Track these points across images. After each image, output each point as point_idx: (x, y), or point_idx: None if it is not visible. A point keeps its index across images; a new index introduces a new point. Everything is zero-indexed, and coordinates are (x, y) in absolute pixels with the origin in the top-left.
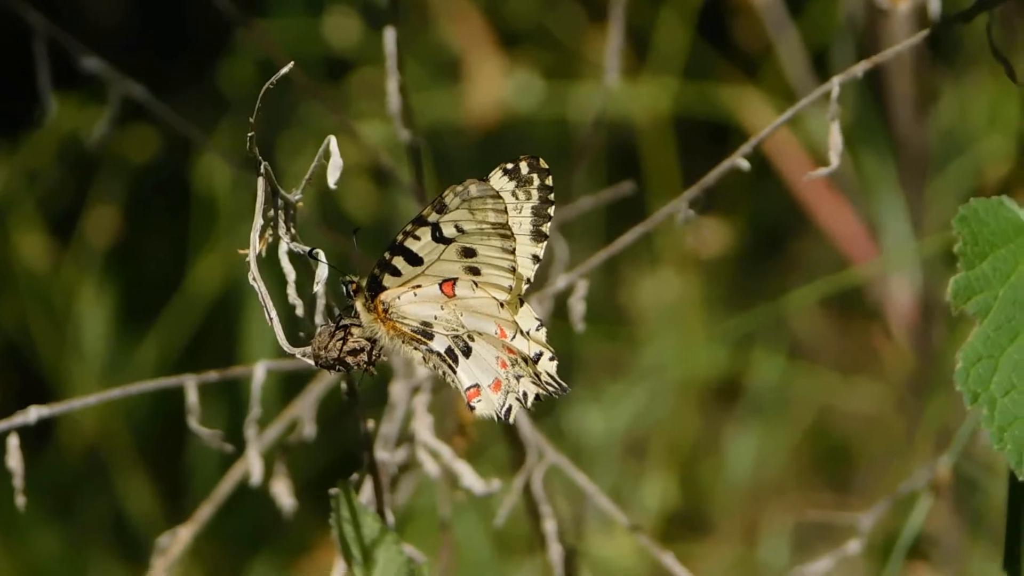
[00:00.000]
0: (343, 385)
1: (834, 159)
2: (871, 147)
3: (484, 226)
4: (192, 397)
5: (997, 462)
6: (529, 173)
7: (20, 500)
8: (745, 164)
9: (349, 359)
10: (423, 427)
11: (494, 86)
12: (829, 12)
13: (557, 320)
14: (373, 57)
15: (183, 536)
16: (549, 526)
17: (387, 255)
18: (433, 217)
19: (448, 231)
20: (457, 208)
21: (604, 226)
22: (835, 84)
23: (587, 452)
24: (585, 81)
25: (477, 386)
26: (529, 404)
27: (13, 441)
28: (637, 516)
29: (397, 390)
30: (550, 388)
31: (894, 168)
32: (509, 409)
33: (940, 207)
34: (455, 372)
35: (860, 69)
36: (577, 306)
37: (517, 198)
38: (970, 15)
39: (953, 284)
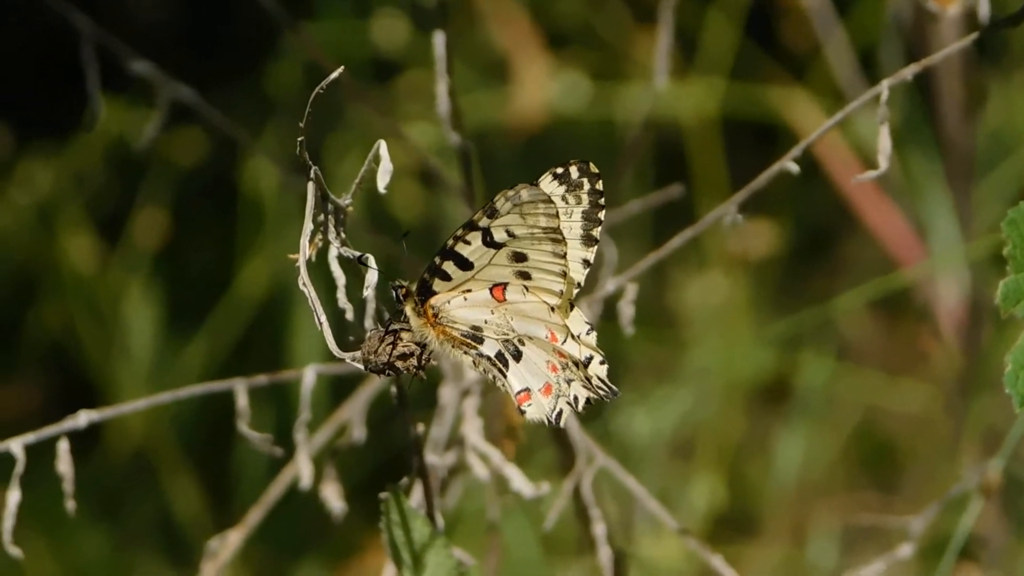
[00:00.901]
0: (393, 389)
1: (883, 162)
2: (919, 148)
3: (535, 231)
4: (242, 401)
5: None
6: (579, 177)
7: (70, 505)
8: (794, 167)
9: (399, 363)
10: (473, 431)
11: (541, 87)
12: (876, 12)
13: (605, 322)
14: (420, 59)
15: (233, 540)
16: (598, 529)
17: (437, 259)
18: (484, 222)
19: (499, 236)
20: (508, 213)
21: (652, 227)
22: (884, 87)
23: (634, 454)
24: (632, 82)
25: (528, 390)
26: (580, 408)
27: (63, 446)
28: (685, 518)
29: (447, 393)
30: (600, 392)
31: (942, 169)
32: (560, 413)
33: (988, 209)
34: (505, 376)
35: (909, 72)
36: (626, 309)
37: (567, 202)
38: (1019, 19)
39: (1002, 288)
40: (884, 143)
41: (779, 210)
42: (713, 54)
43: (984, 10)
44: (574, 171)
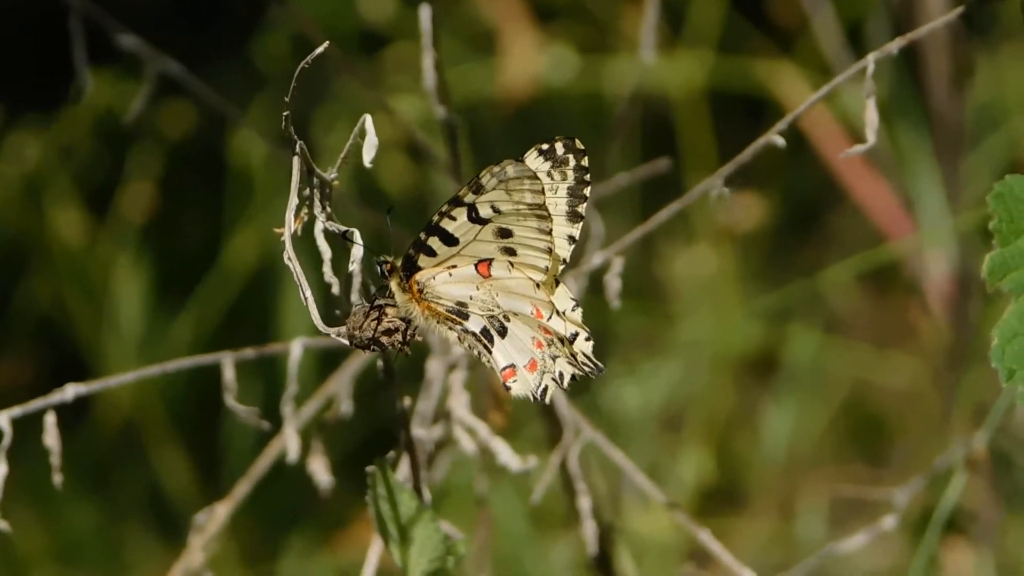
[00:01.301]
0: (379, 363)
1: (870, 136)
2: (907, 122)
3: (520, 207)
4: (229, 374)
5: None
6: (565, 154)
7: (57, 478)
8: (781, 141)
9: (384, 339)
10: (459, 404)
11: (528, 60)
12: None
13: (592, 296)
14: (408, 32)
15: (220, 513)
16: (585, 502)
17: (423, 235)
18: (469, 198)
19: (484, 212)
20: (494, 189)
21: (639, 200)
22: (870, 61)
23: (623, 428)
24: (620, 55)
25: (513, 366)
26: (565, 384)
27: (50, 419)
28: (673, 491)
29: (433, 367)
30: (586, 368)
31: (930, 143)
32: (545, 389)
33: (976, 182)
34: (491, 352)
35: (895, 46)
36: (613, 283)
37: (553, 179)
38: None
39: (988, 261)
40: (871, 117)
41: (767, 183)
42: (701, 27)
43: None
44: (559, 147)
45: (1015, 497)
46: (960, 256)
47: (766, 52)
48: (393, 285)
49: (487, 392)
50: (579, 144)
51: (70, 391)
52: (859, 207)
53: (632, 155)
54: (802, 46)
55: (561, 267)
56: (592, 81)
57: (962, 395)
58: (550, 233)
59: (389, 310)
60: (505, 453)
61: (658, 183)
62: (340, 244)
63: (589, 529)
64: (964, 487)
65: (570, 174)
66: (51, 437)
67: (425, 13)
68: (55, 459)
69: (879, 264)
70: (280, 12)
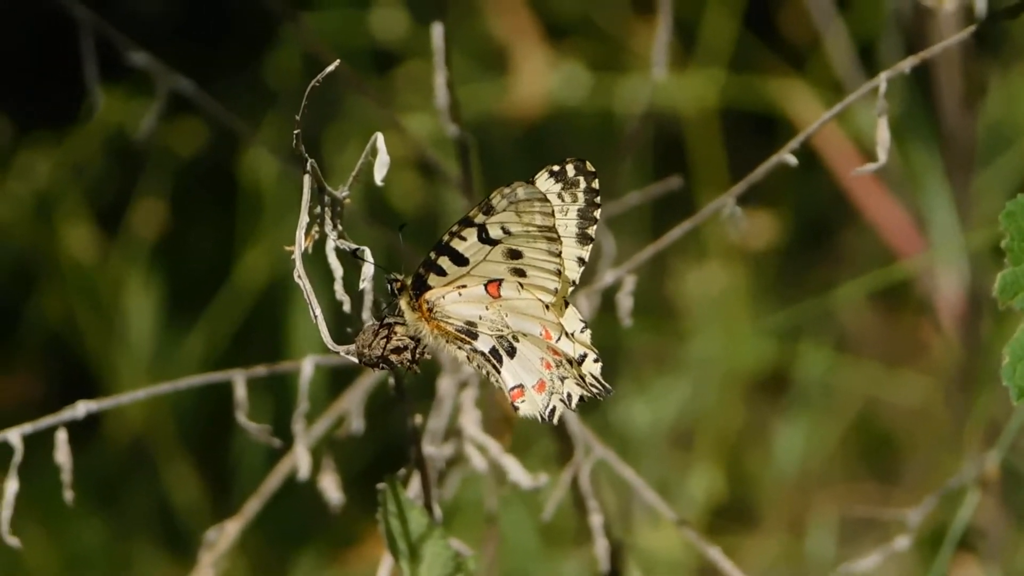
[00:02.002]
0: (391, 381)
1: (882, 155)
2: (918, 140)
3: (531, 229)
4: (240, 392)
5: None
6: (576, 176)
7: (68, 495)
8: (793, 160)
9: (393, 357)
10: (470, 422)
11: (540, 78)
12: (876, 4)
13: (603, 313)
14: (419, 50)
15: (230, 531)
16: (596, 520)
17: (432, 255)
18: (480, 218)
19: (494, 233)
20: (504, 210)
21: (651, 217)
22: (883, 80)
23: (633, 445)
24: (631, 73)
25: (521, 386)
26: (573, 405)
27: (61, 436)
28: (683, 509)
29: (444, 385)
30: (594, 390)
31: (941, 161)
32: (553, 410)
33: (987, 200)
34: (499, 372)
35: (907, 65)
36: (625, 301)
37: (563, 200)
38: (1017, 11)
39: (1000, 280)
40: (883, 135)
41: (778, 201)
42: (712, 45)
43: (981, 3)
44: (571, 169)
45: None
46: (971, 274)
47: (778, 70)
48: (403, 303)
49: (497, 409)
50: (590, 166)
51: (81, 408)
52: (871, 225)
53: (643, 173)
54: (814, 64)
55: (571, 288)
56: (603, 99)
57: (973, 413)
58: (560, 255)
59: (398, 328)
60: (516, 470)
61: (669, 201)
62: (351, 261)
63: (601, 547)
64: (975, 505)
65: (581, 196)
66: (62, 454)
67: (437, 31)
68: (66, 476)
69: (890, 282)
70: (291, 30)
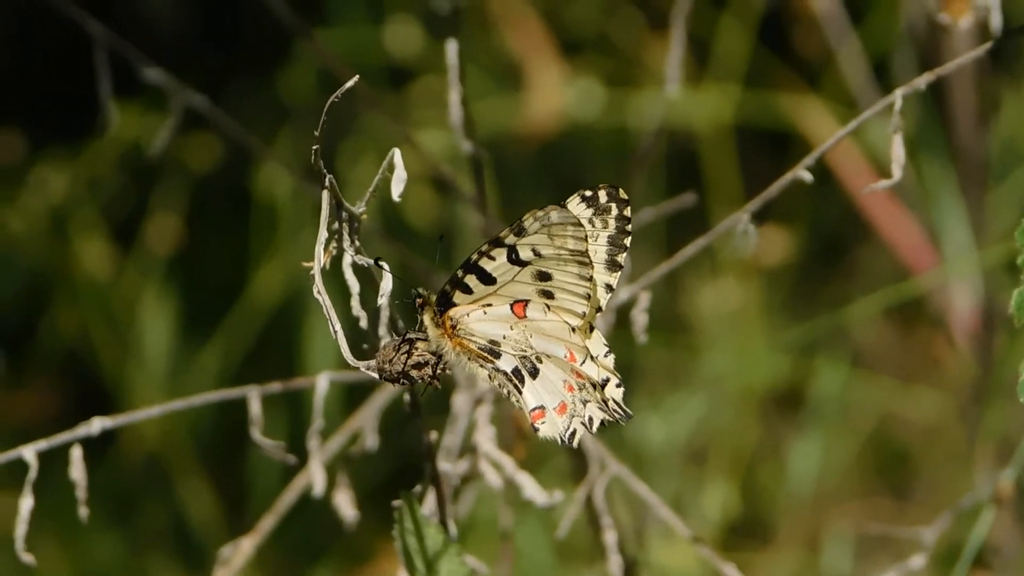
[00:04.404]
0: (406, 397)
1: (896, 171)
2: (932, 156)
3: (562, 252)
4: (255, 408)
5: None
6: (608, 202)
7: (83, 511)
8: (808, 176)
9: (413, 372)
10: (485, 438)
11: (554, 94)
12: (890, 20)
13: (618, 330)
14: (434, 65)
15: (245, 547)
16: (610, 537)
17: (460, 272)
18: (511, 239)
19: (525, 254)
20: (536, 232)
21: (664, 234)
22: (898, 96)
23: (647, 461)
24: (645, 89)
25: (542, 407)
26: (594, 429)
27: (76, 453)
28: (698, 525)
29: (459, 401)
30: (616, 415)
31: (955, 177)
32: (573, 433)
33: (1001, 216)
34: (521, 393)
35: (923, 82)
36: (640, 318)
37: (593, 226)
38: None
39: (1017, 296)
40: (898, 152)
41: (792, 217)
42: (726, 61)
43: (996, 20)
44: (603, 195)
45: None
46: (985, 290)
47: (791, 86)
48: (426, 319)
49: (511, 425)
50: (623, 194)
51: (96, 424)
52: (884, 241)
53: (657, 189)
54: (828, 80)
55: (597, 314)
56: (618, 114)
57: (986, 428)
58: (591, 279)
59: (420, 344)
60: (531, 487)
61: (683, 216)
62: (368, 278)
63: (615, 563)
64: (989, 522)
65: (612, 222)
66: (77, 471)
67: (451, 48)
68: (81, 492)
69: (904, 298)
70: (305, 46)
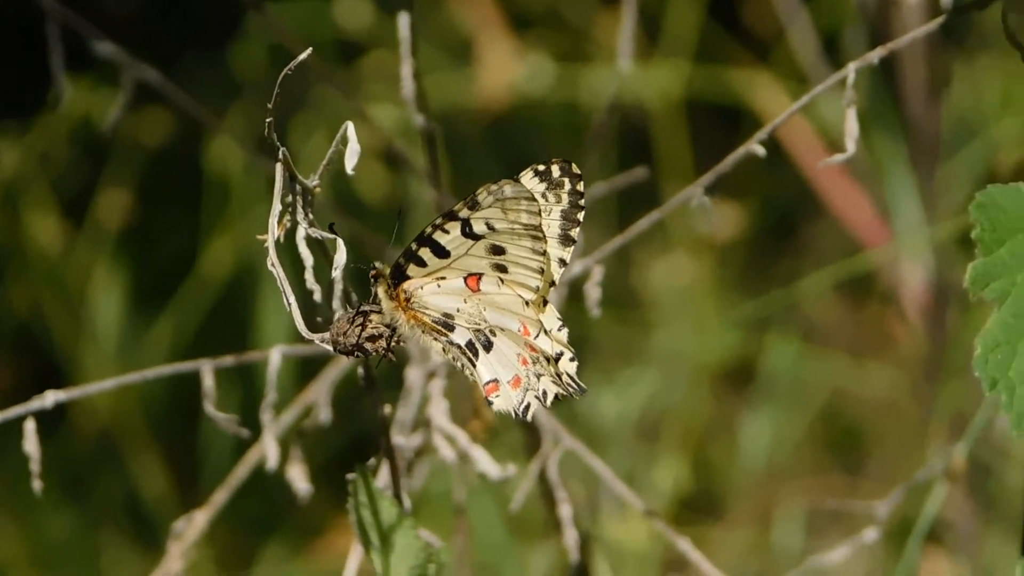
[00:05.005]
0: (360, 370)
1: (850, 146)
2: (883, 131)
3: (516, 226)
4: (208, 382)
5: (1012, 447)
6: (560, 176)
7: (37, 484)
8: (760, 150)
9: (368, 345)
10: (439, 412)
11: (506, 69)
12: None
13: (571, 304)
14: (385, 40)
15: (199, 521)
16: (564, 511)
17: (414, 245)
18: (464, 213)
19: (479, 228)
20: (490, 206)
21: (616, 209)
22: (851, 70)
23: (600, 436)
24: (597, 65)
25: (496, 381)
26: (548, 403)
27: (30, 426)
28: (651, 500)
29: (413, 375)
30: (569, 388)
31: (906, 152)
32: (527, 406)
33: (952, 191)
34: (474, 366)
35: (876, 56)
36: (592, 292)
37: (547, 200)
38: (984, 3)
39: (971, 270)
40: (851, 126)
41: (744, 192)
42: (677, 37)
43: None
44: (556, 170)
45: (993, 506)
46: (937, 265)
47: (742, 61)
48: (380, 292)
49: (466, 400)
50: (575, 168)
51: (50, 398)
52: (836, 216)
53: (609, 164)
54: (778, 55)
55: (551, 288)
56: (569, 90)
57: (939, 404)
58: (544, 254)
59: (374, 316)
60: (484, 461)
61: (635, 190)
62: (321, 251)
63: (570, 537)
64: (942, 498)
65: (565, 197)
66: (31, 444)
67: (403, 21)
68: (35, 466)
69: (856, 273)
70: (257, 20)
